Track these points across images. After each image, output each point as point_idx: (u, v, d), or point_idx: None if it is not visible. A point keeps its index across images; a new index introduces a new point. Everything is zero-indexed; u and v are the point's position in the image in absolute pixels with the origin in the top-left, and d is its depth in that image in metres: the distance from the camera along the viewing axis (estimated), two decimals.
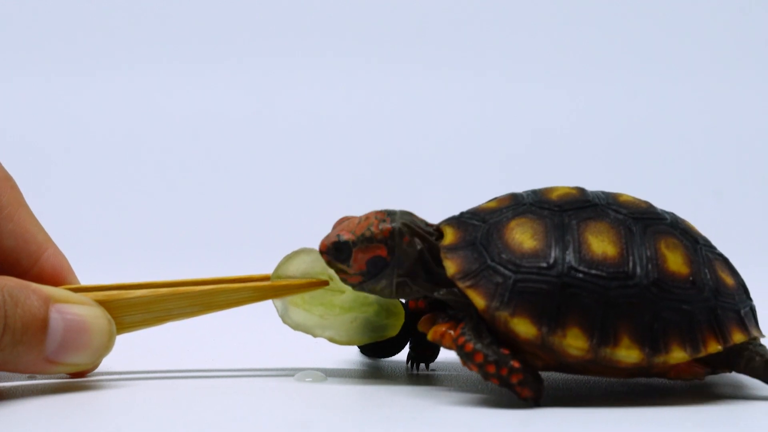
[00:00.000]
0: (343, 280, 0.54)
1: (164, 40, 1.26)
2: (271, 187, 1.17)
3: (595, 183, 0.58)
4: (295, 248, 0.58)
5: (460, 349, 0.50)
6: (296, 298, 0.58)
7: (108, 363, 0.57)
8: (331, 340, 0.58)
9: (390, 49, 1.27)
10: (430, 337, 0.53)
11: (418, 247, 0.53)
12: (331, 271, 0.56)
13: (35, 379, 0.56)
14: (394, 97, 1.25)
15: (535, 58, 1.27)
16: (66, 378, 0.56)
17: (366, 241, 0.52)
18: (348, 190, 1.16)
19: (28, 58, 1.25)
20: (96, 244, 1.04)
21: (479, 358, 0.50)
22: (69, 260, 0.58)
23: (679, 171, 1.20)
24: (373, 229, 0.52)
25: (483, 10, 1.28)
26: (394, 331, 0.58)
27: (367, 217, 0.53)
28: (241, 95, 1.24)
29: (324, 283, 0.57)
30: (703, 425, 0.49)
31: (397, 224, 0.53)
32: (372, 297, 0.57)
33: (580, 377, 0.57)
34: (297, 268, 0.58)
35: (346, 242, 0.53)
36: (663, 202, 0.56)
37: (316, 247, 0.55)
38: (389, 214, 0.53)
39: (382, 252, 0.52)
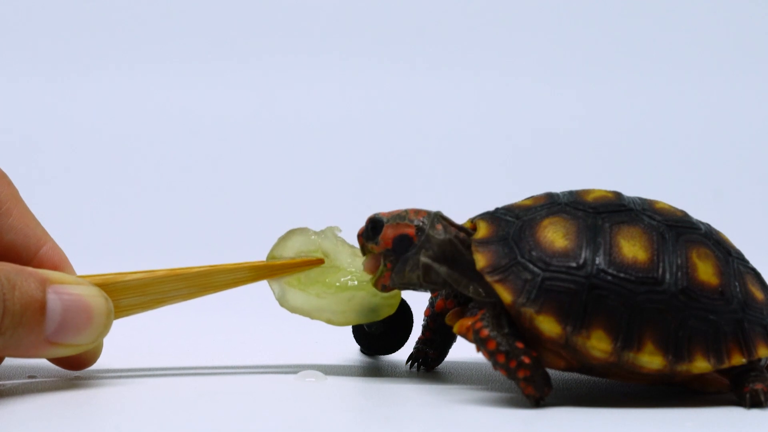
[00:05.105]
0: (382, 287, 0.55)
1: (162, 37, 1.25)
2: (269, 187, 1.16)
3: (595, 183, 0.58)
4: (289, 229, 0.59)
5: (475, 334, 0.51)
6: (292, 279, 0.58)
7: (108, 361, 0.58)
8: (329, 322, 0.58)
9: (390, 48, 1.26)
10: (455, 330, 0.53)
11: (448, 235, 0.53)
12: (326, 249, 0.57)
13: (35, 379, 0.56)
14: (394, 96, 1.24)
15: (536, 59, 1.27)
16: (66, 376, 0.56)
17: (398, 218, 0.54)
18: (348, 190, 1.15)
19: (23, 56, 1.23)
20: (92, 243, 1.03)
21: (492, 346, 0.50)
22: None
23: (679, 171, 1.20)
24: (408, 212, 0.54)
25: (484, 10, 1.28)
26: (391, 309, 0.58)
27: (407, 209, 0.55)
28: (240, 93, 1.23)
29: (319, 261, 0.58)
30: (704, 426, 0.49)
31: (432, 214, 0.54)
32: (369, 276, 0.57)
33: (583, 378, 0.58)
34: (291, 247, 0.58)
35: (380, 219, 0.54)
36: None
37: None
38: (428, 213, 0.54)
39: (410, 231, 0.53)
